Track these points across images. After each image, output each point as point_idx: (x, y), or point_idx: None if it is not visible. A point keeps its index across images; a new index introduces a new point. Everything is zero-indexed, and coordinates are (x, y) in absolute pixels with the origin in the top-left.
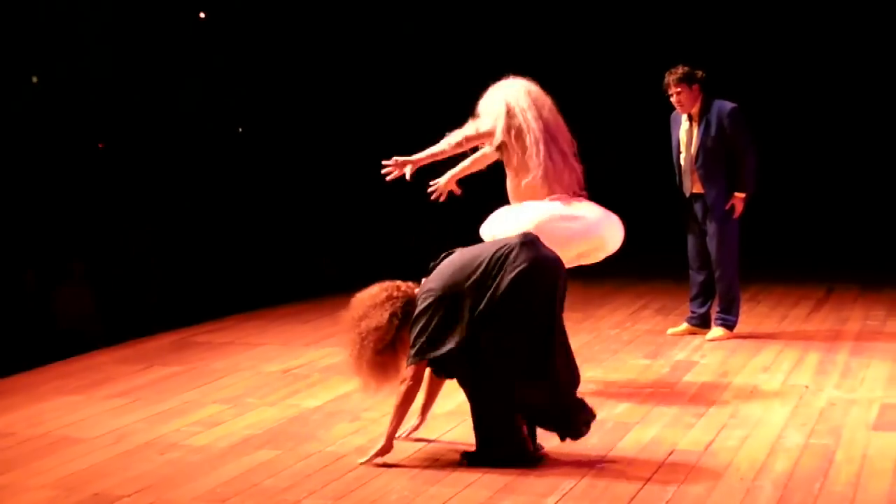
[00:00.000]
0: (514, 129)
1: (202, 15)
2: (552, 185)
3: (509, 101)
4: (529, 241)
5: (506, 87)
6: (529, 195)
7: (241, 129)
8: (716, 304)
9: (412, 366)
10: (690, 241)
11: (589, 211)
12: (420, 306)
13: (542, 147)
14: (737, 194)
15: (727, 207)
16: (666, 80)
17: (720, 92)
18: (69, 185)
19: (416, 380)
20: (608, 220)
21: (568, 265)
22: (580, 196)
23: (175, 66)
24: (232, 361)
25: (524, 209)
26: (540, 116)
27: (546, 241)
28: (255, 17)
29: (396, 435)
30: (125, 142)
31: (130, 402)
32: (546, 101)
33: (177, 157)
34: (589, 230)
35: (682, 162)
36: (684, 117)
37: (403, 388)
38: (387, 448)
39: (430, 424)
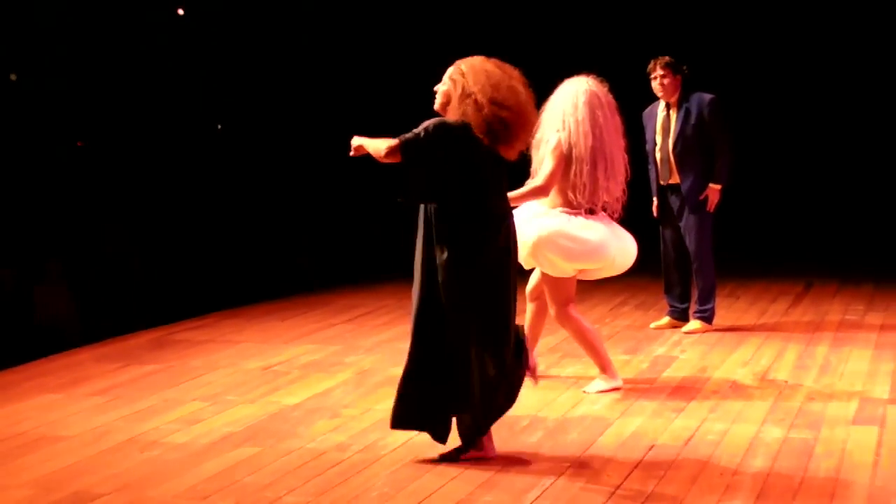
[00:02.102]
0: (567, 143)
1: (180, 11)
2: (572, 200)
3: (566, 112)
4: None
5: (566, 95)
6: (548, 199)
7: (220, 127)
8: (693, 296)
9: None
10: (666, 233)
11: (595, 233)
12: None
13: (583, 167)
14: (712, 185)
15: (701, 198)
16: (652, 63)
17: (698, 85)
18: (48, 183)
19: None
20: (615, 242)
21: (566, 276)
22: (596, 213)
23: (154, 62)
24: (211, 359)
25: (531, 222)
26: (593, 130)
27: (546, 253)
28: (234, 13)
29: None
30: (104, 140)
31: (110, 401)
32: (604, 107)
33: (156, 155)
34: (589, 253)
35: (658, 152)
36: (660, 108)
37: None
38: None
39: None
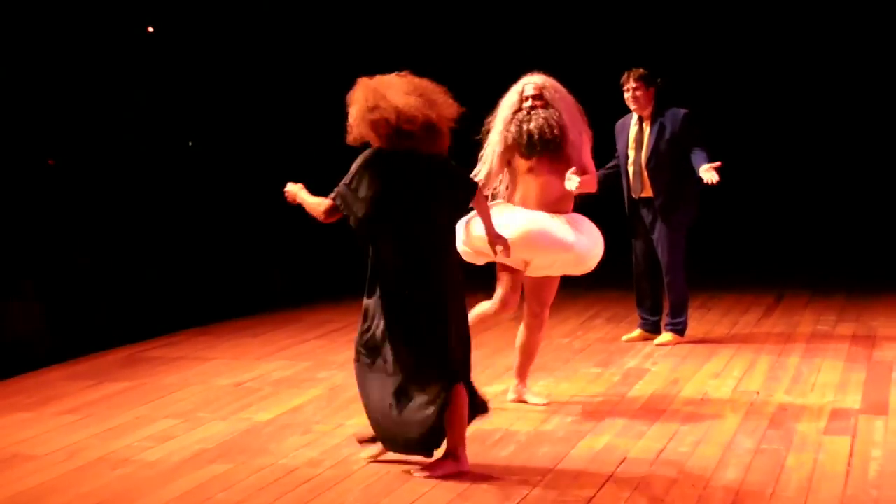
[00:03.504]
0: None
1: (150, 29)
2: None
3: (579, 116)
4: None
5: (563, 94)
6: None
7: (191, 143)
8: (665, 308)
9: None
10: (637, 245)
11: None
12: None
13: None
14: (711, 165)
15: (714, 183)
16: (625, 75)
17: (672, 97)
18: (19, 201)
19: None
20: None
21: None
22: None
23: (124, 80)
24: (183, 376)
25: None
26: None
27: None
28: (204, 30)
29: None
30: (75, 158)
31: (82, 419)
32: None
33: (127, 172)
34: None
35: (630, 165)
36: (633, 121)
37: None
38: None
39: None
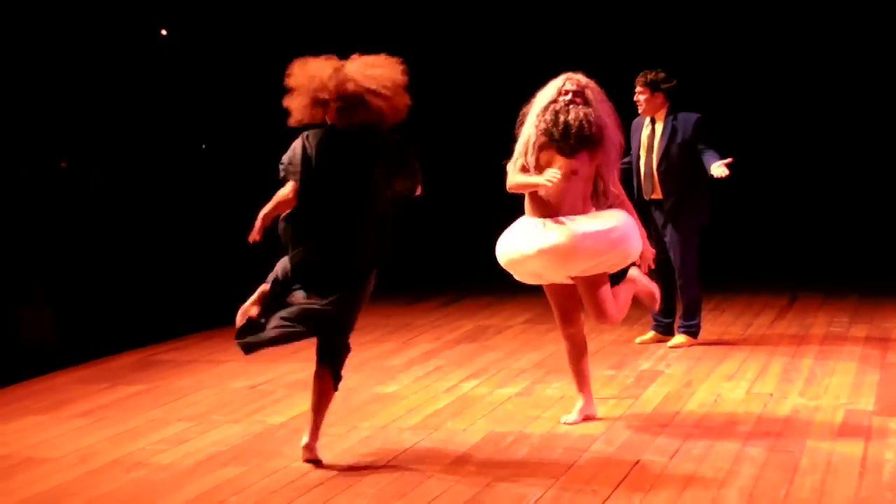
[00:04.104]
0: None
1: (163, 32)
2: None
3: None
4: None
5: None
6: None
7: (204, 146)
8: (678, 310)
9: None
10: None
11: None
12: None
13: None
14: (722, 162)
15: (724, 176)
16: (636, 78)
17: (686, 99)
18: (31, 204)
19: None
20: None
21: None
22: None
23: (138, 83)
24: (196, 379)
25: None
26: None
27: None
28: (219, 33)
29: None
30: (88, 161)
31: (95, 422)
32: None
33: (140, 175)
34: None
35: (641, 167)
36: (646, 122)
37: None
38: None
39: (395, 438)
